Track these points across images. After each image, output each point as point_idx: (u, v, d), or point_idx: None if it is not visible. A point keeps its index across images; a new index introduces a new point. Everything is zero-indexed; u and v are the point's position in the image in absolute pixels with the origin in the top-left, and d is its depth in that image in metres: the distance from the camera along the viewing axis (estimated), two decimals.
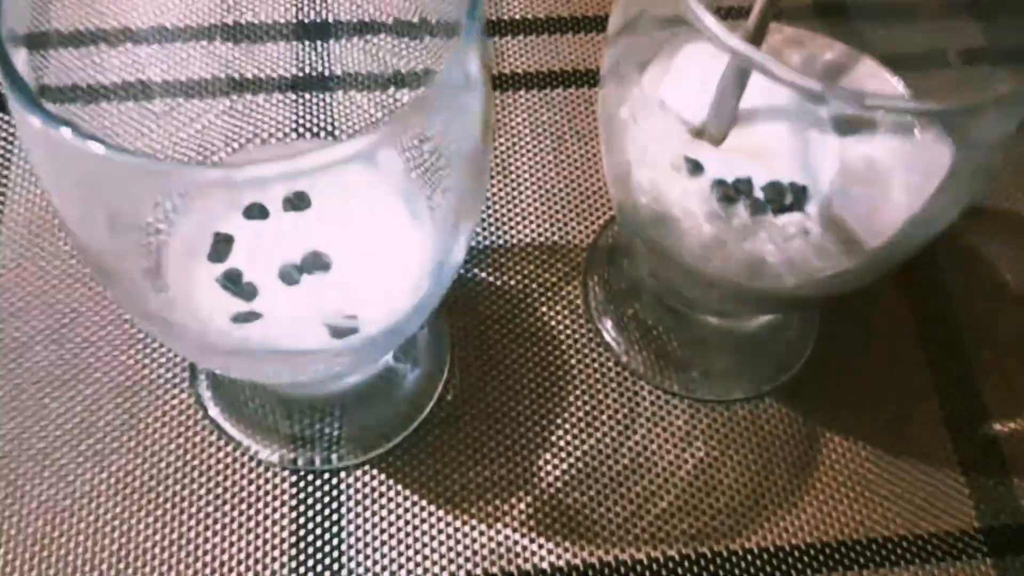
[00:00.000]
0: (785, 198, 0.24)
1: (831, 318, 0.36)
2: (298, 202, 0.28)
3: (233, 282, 0.27)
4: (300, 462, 0.32)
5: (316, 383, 0.32)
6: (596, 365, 0.35)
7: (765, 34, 0.24)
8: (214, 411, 0.32)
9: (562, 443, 0.33)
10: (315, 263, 0.27)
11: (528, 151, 0.39)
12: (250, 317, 0.26)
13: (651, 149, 0.25)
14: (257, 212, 0.28)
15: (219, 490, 0.31)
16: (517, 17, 0.43)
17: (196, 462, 0.32)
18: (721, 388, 0.34)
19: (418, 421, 0.33)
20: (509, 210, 0.38)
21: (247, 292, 0.26)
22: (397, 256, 0.27)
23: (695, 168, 0.24)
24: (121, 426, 0.32)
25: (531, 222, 0.38)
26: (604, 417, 0.34)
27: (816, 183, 0.24)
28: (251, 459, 0.32)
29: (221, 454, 0.32)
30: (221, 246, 0.27)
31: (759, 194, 0.24)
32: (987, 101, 0.19)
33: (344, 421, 0.32)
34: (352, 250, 0.27)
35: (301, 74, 0.37)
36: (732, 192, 0.24)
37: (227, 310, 0.26)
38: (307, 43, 0.36)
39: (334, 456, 0.32)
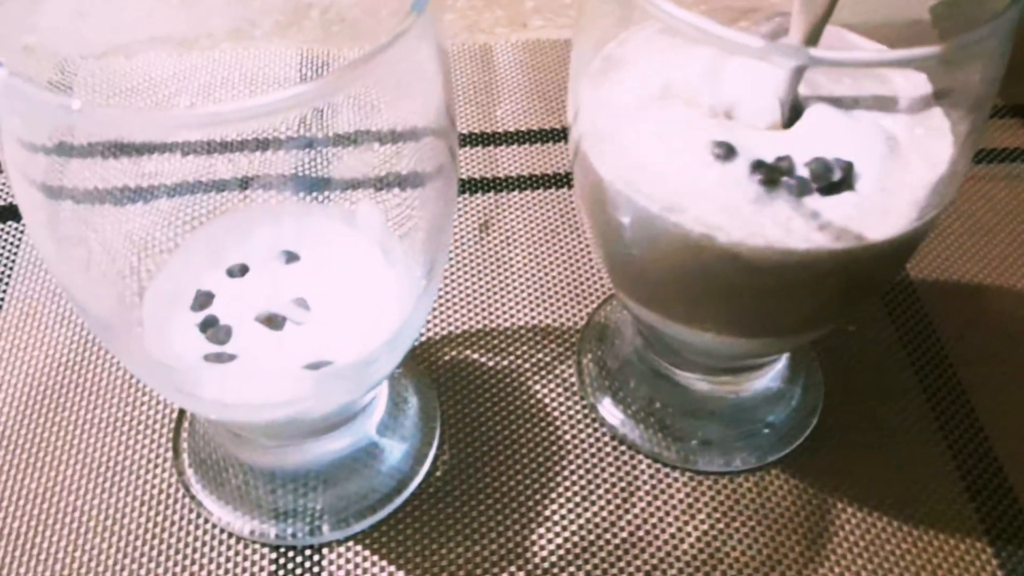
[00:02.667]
0: (833, 175, 0.22)
1: (836, 388, 0.35)
2: (285, 257, 0.29)
3: (208, 326, 0.27)
4: (281, 537, 0.30)
5: (296, 437, 0.31)
6: (592, 440, 0.34)
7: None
8: (196, 487, 0.31)
9: (556, 517, 0.31)
10: (295, 307, 0.27)
11: (522, 244, 0.40)
12: (223, 358, 0.26)
13: (662, 144, 0.23)
14: (238, 271, 0.29)
15: (195, 567, 0.30)
16: (511, 130, 0.45)
17: (174, 540, 0.30)
18: (722, 459, 0.33)
19: (404, 497, 0.31)
20: (503, 296, 0.38)
21: (222, 335, 0.26)
22: (372, 298, 0.27)
23: (728, 152, 0.22)
24: (100, 505, 0.31)
25: (524, 307, 0.37)
26: (601, 491, 0.32)
27: (860, 159, 0.22)
28: (230, 535, 0.30)
29: (200, 531, 0.31)
30: (203, 299, 0.28)
31: (803, 172, 0.22)
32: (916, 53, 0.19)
33: (327, 495, 0.31)
34: (329, 295, 0.27)
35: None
36: (775, 173, 0.22)
37: (200, 350, 0.26)
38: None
39: (316, 531, 0.30)
